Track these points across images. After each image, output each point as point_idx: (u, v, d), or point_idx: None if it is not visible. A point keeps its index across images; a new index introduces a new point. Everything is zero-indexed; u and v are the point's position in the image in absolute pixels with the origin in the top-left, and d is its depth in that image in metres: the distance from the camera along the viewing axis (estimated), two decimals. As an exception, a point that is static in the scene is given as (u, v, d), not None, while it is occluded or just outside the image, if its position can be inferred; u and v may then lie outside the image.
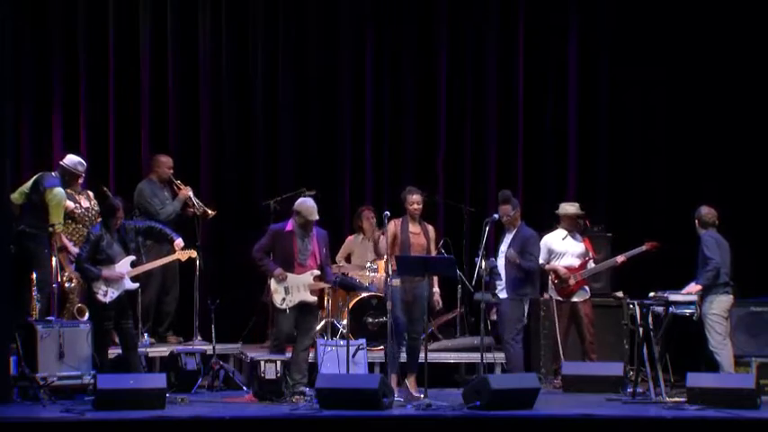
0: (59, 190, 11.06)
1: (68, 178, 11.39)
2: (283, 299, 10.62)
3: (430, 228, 11.11)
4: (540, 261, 11.80)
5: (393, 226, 10.85)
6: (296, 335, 10.69)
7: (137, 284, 10.78)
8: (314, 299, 10.74)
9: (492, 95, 13.63)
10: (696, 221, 11.25)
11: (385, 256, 10.79)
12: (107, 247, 10.61)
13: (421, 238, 10.92)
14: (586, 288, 11.81)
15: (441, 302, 11.40)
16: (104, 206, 10.98)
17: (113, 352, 10.88)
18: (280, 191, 13.06)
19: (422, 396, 10.30)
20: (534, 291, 11.21)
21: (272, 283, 10.67)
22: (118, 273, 10.58)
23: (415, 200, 10.91)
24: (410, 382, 10.83)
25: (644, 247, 11.71)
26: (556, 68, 13.64)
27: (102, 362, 10.60)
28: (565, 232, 11.88)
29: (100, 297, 10.50)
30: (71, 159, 11.51)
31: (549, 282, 11.85)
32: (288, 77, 13.56)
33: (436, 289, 11.19)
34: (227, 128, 13.52)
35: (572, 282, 11.74)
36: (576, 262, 11.81)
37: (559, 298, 11.79)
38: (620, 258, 11.81)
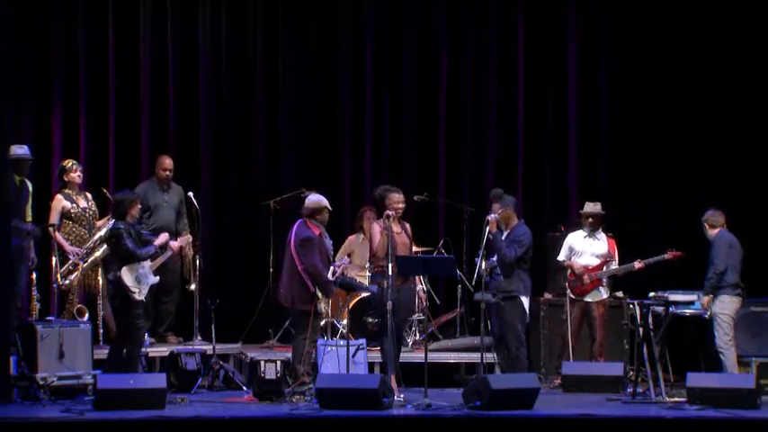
0: None
1: (15, 166, 11.00)
2: (324, 305, 10.72)
3: (407, 225, 11.02)
4: (562, 258, 11.85)
5: (378, 227, 10.80)
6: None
7: (158, 278, 10.78)
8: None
9: (492, 95, 13.63)
10: (705, 225, 11.25)
11: (381, 257, 10.75)
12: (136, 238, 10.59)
13: (403, 236, 10.86)
14: (601, 289, 11.77)
15: (425, 298, 11.34)
16: (120, 200, 10.66)
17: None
18: (280, 191, 13.07)
19: (402, 396, 10.30)
20: (525, 288, 11.04)
21: (320, 293, 10.60)
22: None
23: (400, 199, 10.81)
24: (391, 381, 10.72)
25: (666, 256, 11.66)
26: (556, 68, 13.64)
27: (126, 361, 10.48)
28: (586, 231, 11.90)
29: (136, 296, 10.40)
30: (10, 147, 11.12)
31: (567, 278, 11.87)
32: (288, 77, 13.57)
33: (420, 287, 11.16)
34: (227, 127, 13.52)
35: (587, 280, 11.74)
36: (596, 262, 11.80)
37: (572, 296, 11.80)
38: (637, 264, 11.75)
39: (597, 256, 11.83)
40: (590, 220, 11.91)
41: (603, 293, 11.79)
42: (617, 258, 11.88)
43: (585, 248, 11.88)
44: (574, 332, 11.74)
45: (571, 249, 11.92)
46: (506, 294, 10.97)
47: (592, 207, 11.99)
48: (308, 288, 10.55)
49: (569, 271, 11.84)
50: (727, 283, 11.08)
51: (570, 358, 11.61)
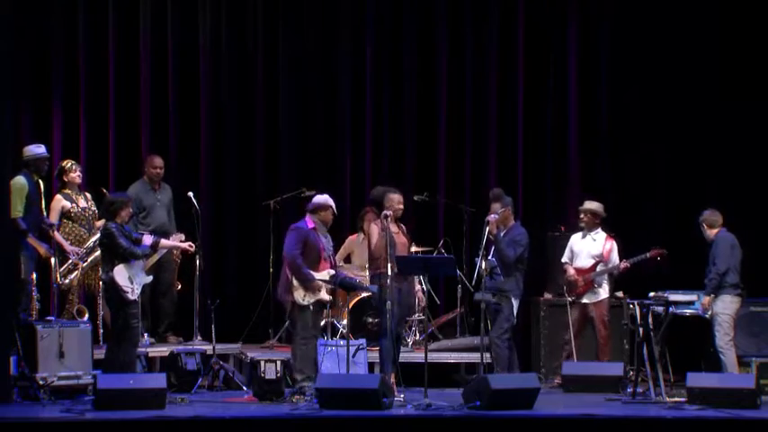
0: (17, 179, 10.95)
1: (34, 166, 11.21)
2: (304, 296, 10.61)
3: (403, 227, 11.06)
4: (564, 260, 11.91)
5: (377, 227, 10.81)
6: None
7: (151, 277, 10.80)
8: (329, 298, 10.76)
9: (492, 96, 13.62)
10: (704, 225, 11.24)
11: (379, 257, 10.75)
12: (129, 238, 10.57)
13: (401, 236, 10.91)
14: (597, 290, 11.80)
15: (424, 299, 11.34)
16: (111, 201, 10.68)
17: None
18: (280, 191, 13.07)
19: (402, 396, 10.30)
20: (518, 289, 11.11)
21: (296, 282, 10.60)
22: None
23: (400, 200, 10.80)
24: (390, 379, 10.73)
25: (647, 255, 11.72)
26: (556, 68, 13.64)
27: (123, 362, 10.43)
28: (583, 231, 11.94)
29: (129, 295, 10.38)
30: (26, 148, 11.33)
31: (564, 282, 11.93)
32: (288, 77, 13.56)
33: (418, 287, 11.18)
34: (227, 128, 13.52)
35: (580, 283, 11.78)
36: (591, 262, 11.83)
37: (570, 299, 11.83)
38: (623, 264, 11.82)
39: (592, 257, 11.86)
40: (582, 216, 11.93)
41: (601, 294, 11.81)
42: (615, 258, 11.88)
43: (582, 249, 11.94)
44: (576, 334, 11.77)
45: (572, 251, 12.00)
46: (499, 293, 11.02)
47: (586, 204, 12.01)
48: (288, 277, 10.56)
49: (566, 275, 11.89)
50: (729, 283, 11.08)
51: (574, 359, 11.64)
